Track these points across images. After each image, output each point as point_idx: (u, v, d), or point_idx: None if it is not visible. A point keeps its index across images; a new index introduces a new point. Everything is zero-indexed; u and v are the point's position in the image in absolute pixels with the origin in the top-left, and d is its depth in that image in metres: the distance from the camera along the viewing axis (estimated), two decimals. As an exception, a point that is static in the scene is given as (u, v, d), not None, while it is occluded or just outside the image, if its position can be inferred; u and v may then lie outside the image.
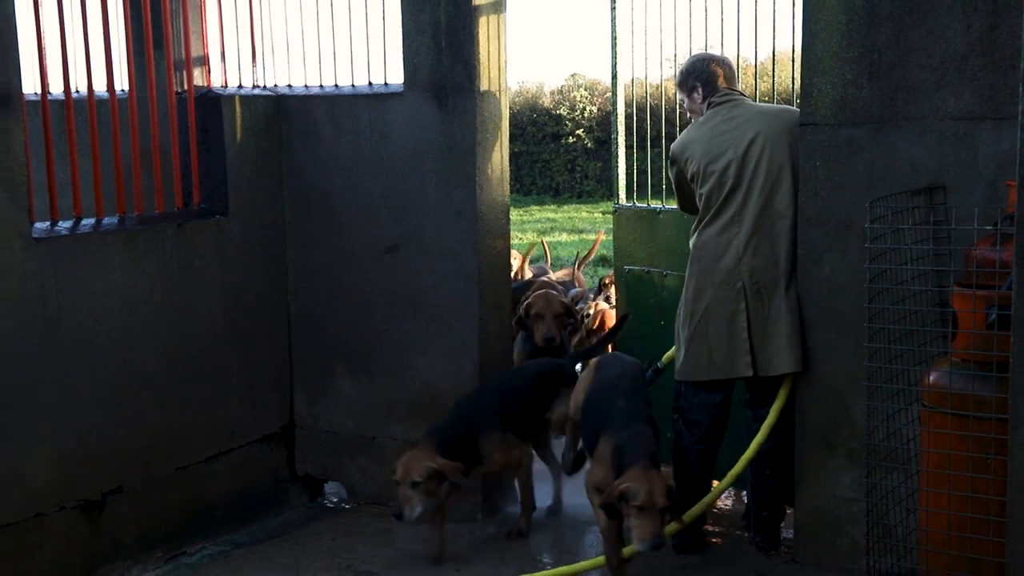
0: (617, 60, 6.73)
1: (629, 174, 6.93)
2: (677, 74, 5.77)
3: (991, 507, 3.69)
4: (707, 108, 5.39)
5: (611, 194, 7.05)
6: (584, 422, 5.18)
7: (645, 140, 6.82)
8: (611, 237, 7.48)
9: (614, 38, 6.64)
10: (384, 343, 6.24)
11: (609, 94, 7.08)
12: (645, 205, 6.80)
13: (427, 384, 6.09)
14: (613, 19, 6.60)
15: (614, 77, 6.83)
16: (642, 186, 6.90)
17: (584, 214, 17.26)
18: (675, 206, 6.16)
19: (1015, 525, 3.18)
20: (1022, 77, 2.84)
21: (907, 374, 4.42)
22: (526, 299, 5.96)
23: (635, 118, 6.87)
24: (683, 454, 5.49)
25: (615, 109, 6.97)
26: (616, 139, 6.96)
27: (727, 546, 5.67)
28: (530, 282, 7.86)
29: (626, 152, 6.92)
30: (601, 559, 5.08)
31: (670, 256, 6.41)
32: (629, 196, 6.95)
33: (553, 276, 9.33)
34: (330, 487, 6.54)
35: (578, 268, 9.57)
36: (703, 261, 5.24)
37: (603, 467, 4.76)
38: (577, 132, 20.91)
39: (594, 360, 5.82)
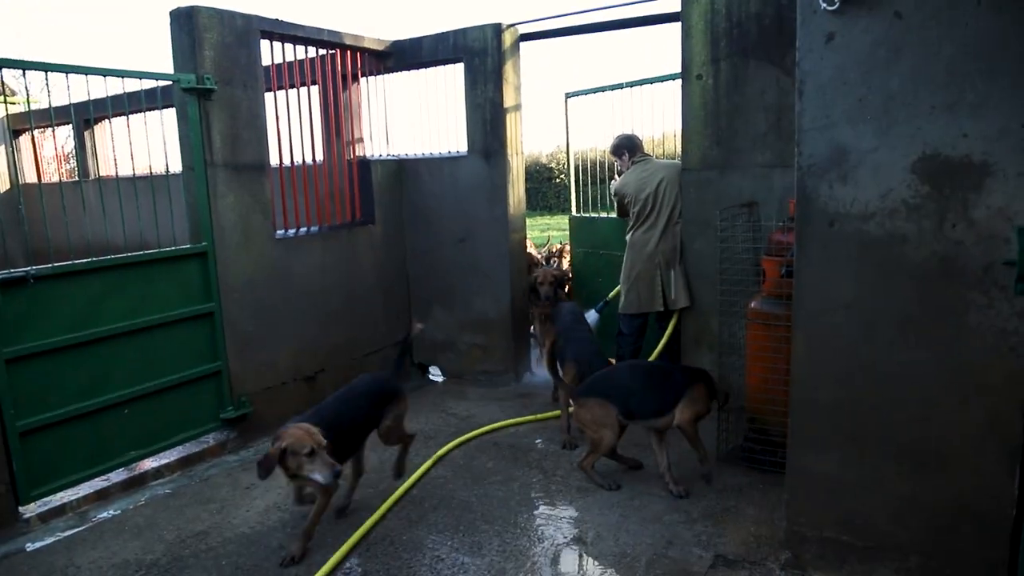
0: (569, 136, 6.65)
1: (578, 198, 6.83)
2: (611, 145, 5.59)
3: (781, 373, 3.69)
4: (631, 163, 5.43)
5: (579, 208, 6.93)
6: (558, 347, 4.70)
7: (586, 180, 6.74)
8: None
9: (567, 123, 6.58)
10: (458, 291, 6.24)
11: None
12: (587, 215, 6.74)
13: (481, 313, 6.13)
14: (566, 113, 6.54)
15: (567, 145, 6.76)
16: (585, 204, 6.84)
17: (565, 220, 17.26)
18: (606, 215, 6.25)
19: (794, 381, 3.10)
20: (796, 145, 3.02)
21: (739, 303, 4.45)
22: (534, 275, 6.02)
23: (580, 168, 6.78)
24: (620, 355, 5.48)
25: (568, 163, 6.86)
26: (569, 180, 6.87)
27: None
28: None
29: (575, 186, 6.80)
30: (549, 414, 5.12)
31: (601, 243, 6.36)
32: (578, 210, 6.85)
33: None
34: (432, 369, 6.50)
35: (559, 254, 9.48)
36: (636, 248, 5.28)
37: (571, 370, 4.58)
38: (560, 176, 21.12)
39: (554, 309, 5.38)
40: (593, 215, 6.67)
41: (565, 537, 3.60)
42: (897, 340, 2.85)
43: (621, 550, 3.43)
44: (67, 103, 4.20)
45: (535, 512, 3.86)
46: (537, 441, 4.81)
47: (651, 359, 5.32)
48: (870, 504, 3.00)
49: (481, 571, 3.30)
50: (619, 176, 5.64)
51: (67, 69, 3.91)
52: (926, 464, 2.86)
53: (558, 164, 21.41)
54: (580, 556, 3.43)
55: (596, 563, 3.35)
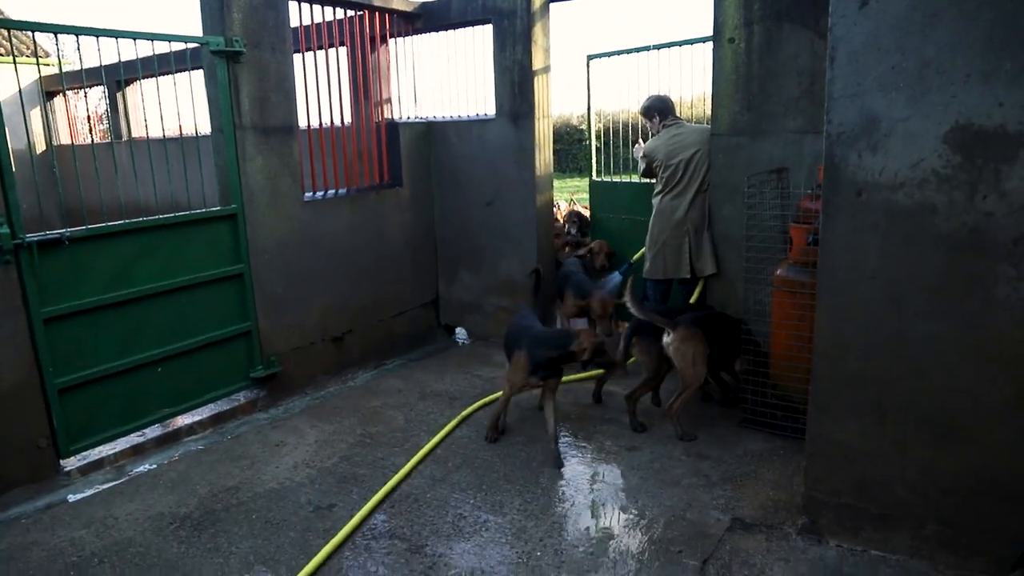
0: (590, 99, 6.50)
1: (599, 163, 6.73)
2: (642, 107, 5.47)
3: (805, 340, 3.64)
4: (662, 127, 5.34)
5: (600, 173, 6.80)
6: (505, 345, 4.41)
7: (609, 143, 6.66)
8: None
9: (588, 85, 6.44)
10: (486, 253, 6.24)
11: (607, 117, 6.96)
12: (608, 179, 6.61)
13: (508, 276, 6.11)
14: (588, 75, 6.41)
15: (588, 108, 6.57)
16: (607, 168, 6.77)
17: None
18: (627, 180, 6.19)
19: (817, 349, 3.09)
20: (826, 113, 2.99)
21: (765, 270, 4.42)
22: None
23: (603, 132, 6.76)
24: None
25: (589, 128, 6.70)
26: (590, 144, 6.71)
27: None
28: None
29: (595, 151, 6.65)
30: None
31: (624, 208, 6.32)
32: (599, 174, 6.72)
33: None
34: (459, 331, 6.55)
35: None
36: (664, 214, 5.20)
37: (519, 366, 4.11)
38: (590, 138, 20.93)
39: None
40: (615, 180, 6.61)
41: (585, 498, 3.66)
42: (923, 311, 2.83)
43: (640, 511, 3.49)
44: (99, 65, 4.24)
45: (556, 473, 3.92)
46: (560, 404, 4.84)
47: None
48: (889, 472, 3.01)
49: (502, 529, 3.38)
50: (649, 138, 5.57)
51: (98, 32, 3.95)
52: (947, 435, 2.86)
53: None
54: (600, 517, 3.49)
55: (616, 523, 3.41)
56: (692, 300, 5.25)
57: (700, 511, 3.48)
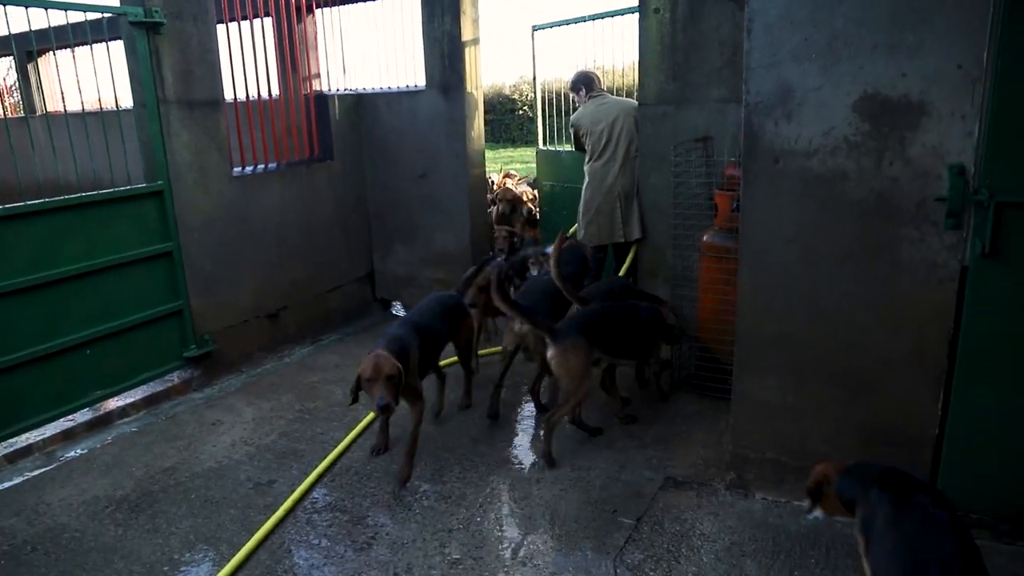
0: (535, 69, 6.60)
1: (544, 132, 6.89)
2: (569, 81, 5.60)
3: (731, 304, 3.52)
4: (588, 99, 5.43)
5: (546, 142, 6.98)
6: None
7: (552, 113, 6.74)
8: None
9: (533, 56, 6.53)
10: (420, 227, 6.23)
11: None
12: (552, 148, 6.77)
13: (442, 248, 6.14)
14: (533, 46, 6.50)
15: (534, 78, 6.70)
16: (550, 138, 6.91)
17: (528, 153, 17.15)
18: (570, 149, 6.18)
19: (740, 312, 3.24)
20: (744, 83, 3.08)
21: (692, 236, 4.54)
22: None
23: (547, 101, 6.83)
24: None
25: (535, 96, 6.80)
26: (536, 112, 6.82)
27: None
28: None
29: (542, 120, 6.80)
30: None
31: (564, 176, 6.41)
32: (545, 143, 6.90)
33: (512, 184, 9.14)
34: (395, 305, 6.57)
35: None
36: (595, 181, 5.30)
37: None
38: (524, 108, 20.66)
39: None
40: (559, 148, 6.67)
41: (522, 464, 3.76)
42: (836, 274, 2.99)
43: (577, 474, 3.61)
44: (6, 34, 4.05)
45: (494, 440, 4.01)
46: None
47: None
48: (806, 427, 3.19)
49: (442, 497, 3.46)
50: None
51: (4, 0, 3.77)
52: (858, 390, 3.04)
53: (521, 96, 21.03)
54: (537, 480, 3.59)
55: (552, 486, 3.51)
56: (625, 266, 5.38)
57: (634, 471, 3.62)
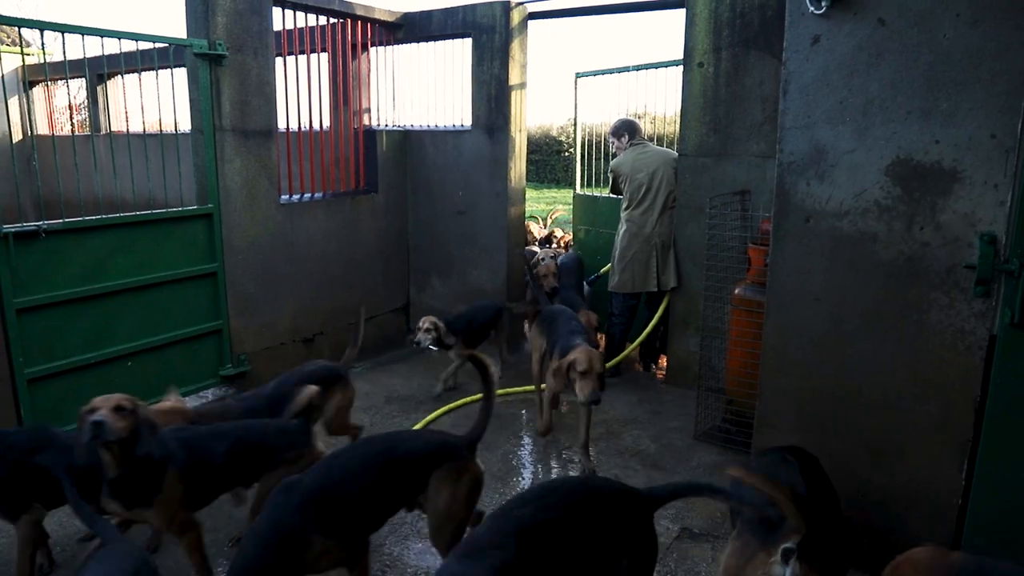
0: (577, 115, 6.72)
1: (583, 176, 6.98)
2: (611, 127, 5.73)
3: (758, 357, 3.49)
4: (629, 146, 5.54)
5: (583, 186, 7.08)
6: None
7: (592, 158, 6.85)
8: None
9: (575, 102, 6.65)
10: (456, 262, 6.34)
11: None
12: (589, 193, 6.84)
13: (477, 285, 6.22)
14: (575, 93, 6.61)
15: (575, 124, 6.81)
16: (589, 182, 7.02)
17: (571, 195, 17.24)
18: (607, 194, 6.24)
19: (764, 367, 3.28)
20: (778, 142, 3.13)
21: (724, 288, 4.56)
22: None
23: (587, 145, 6.91)
24: (611, 334, 5.68)
25: (575, 140, 6.88)
26: (575, 157, 6.92)
27: (631, 377, 5.77)
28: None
29: (580, 164, 6.89)
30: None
31: (601, 221, 6.49)
32: (582, 187, 6.99)
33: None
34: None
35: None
36: (632, 228, 5.39)
37: None
38: (569, 150, 20.92)
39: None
40: (596, 193, 6.76)
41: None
42: (862, 334, 2.99)
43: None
44: (81, 57, 4.30)
45: (516, 479, 4.03)
46: (523, 412, 4.97)
47: (639, 340, 5.49)
48: (827, 487, 3.15)
49: (459, 531, 3.48)
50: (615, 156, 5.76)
51: (83, 31, 4.02)
52: (881, 452, 3.02)
53: (568, 137, 21.28)
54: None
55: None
56: (658, 315, 5.42)
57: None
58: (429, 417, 4.77)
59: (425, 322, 5.11)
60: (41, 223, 3.97)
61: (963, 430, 2.84)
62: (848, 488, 3.10)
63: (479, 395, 4.78)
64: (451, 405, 4.96)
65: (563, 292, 5.75)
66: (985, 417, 2.77)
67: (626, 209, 5.51)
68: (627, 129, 5.60)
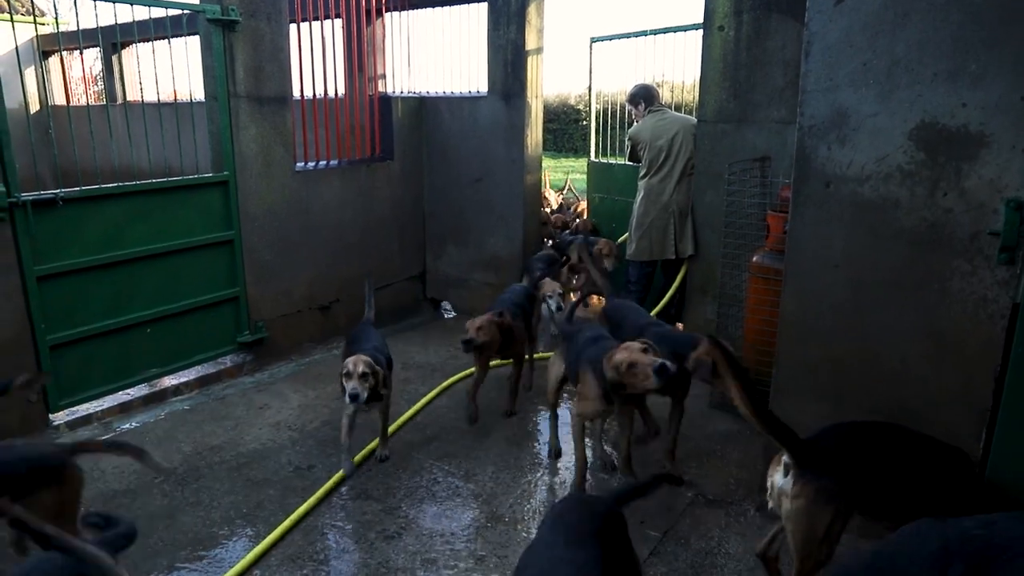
0: (592, 81, 6.64)
1: (598, 144, 6.91)
2: (629, 93, 5.64)
3: (775, 325, 3.46)
4: (646, 113, 5.46)
5: (599, 154, 6.98)
6: None
7: (608, 125, 6.76)
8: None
9: (590, 67, 6.56)
10: (473, 229, 6.33)
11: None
12: (605, 160, 6.75)
13: (494, 252, 6.22)
14: (590, 58, 6.52)
15: (590, 90, 6.73)
16: (605, 150, 6.90)
17: (588, 161, 17.20)
18: (623, 162, 6.21)
19: (781, 335, 3.24)
20: (799, 105, 3.07)
21: (742, 256, 4.52)
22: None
23: (602, 112, 6.85)
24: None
25: (591, 107, 6.82)
26: (590, 124, 6.85)
27: None
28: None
29: (596, 131, 6.84)
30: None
31: (615, 188, 6.45)
32: (597, 155, 6.90)
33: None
34: (444, 305, 6.68)
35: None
36: (650, 196, 5.31)
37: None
38: (587, 118, 20.74)
39: None
40: (611, 161, 6.69)
41: (558, 471, 3.79)
42: (882, 302, 2.95)
43: (609, 484, 3.62)
44: (95, 26, 4.28)
45: (530, 445, 4.05)
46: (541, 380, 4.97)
47: (657, 309, 5.44)
48: (843, 455, 3.13)
49: (474, 495, 3.52)
50: (634, 124, 5.67)
51: (96, -3, 4.00)
52: (899, 421, 2.98)
53: (586, 106, 21.07)
54: (570, 486, 3.62)
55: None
56: (676, 283, 5.37)
57: (666, 486, 3.60)
58: (445, 383, 4.79)
59: (359, 365, 3.53)
60: (58, 191, 3.99)
61: (982, 399, 2.79)
62: (865, 456, 3.08)
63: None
64: (467, 371, 4.97)
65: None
66: (1005, 387, 2.73)
67: (644, 176, 5.44)
68: (643, 96, 5.52)
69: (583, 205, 7.55)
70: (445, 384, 4.80)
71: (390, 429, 4.00)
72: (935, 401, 2.89)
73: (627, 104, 5.73)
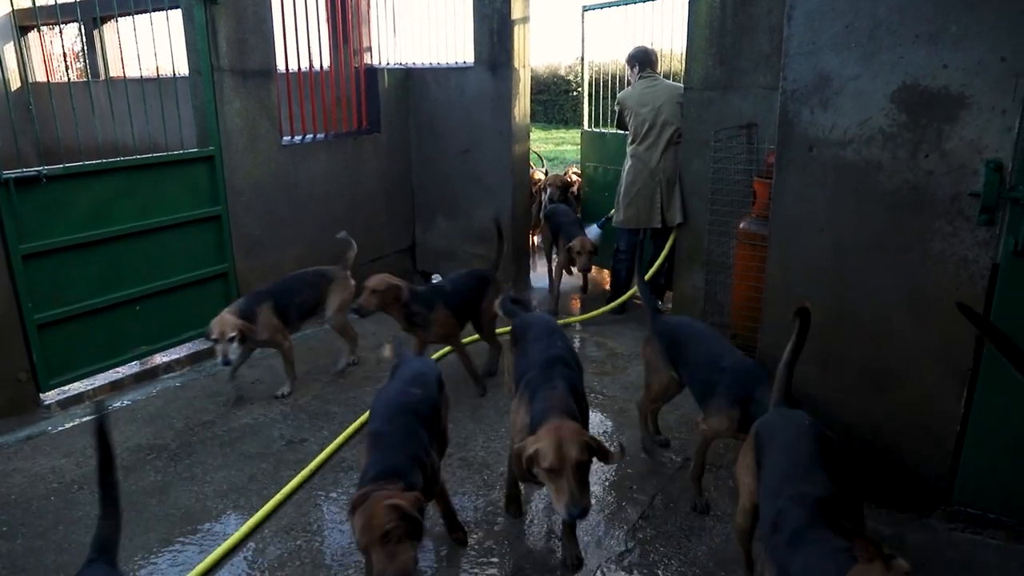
0: (584, 50, 6.64)
1: (591, 113, 6.89)
2: (627, 55, 5.57)
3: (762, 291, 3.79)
4: (638, 77, 5.45)
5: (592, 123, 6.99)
6: None
7: (601, 95, 6.75)
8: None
9: (582, 36, 6.55)
10: (462, 201, 6.32)
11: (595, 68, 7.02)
12: (597, 130, 6.74)
13: (483, 224, 6.15)
14: (582, 27, 6.50)
15: (582, 59, 6.73)
16: (597, 120, 6.90)
17: (579, 134, 17.08)
18: (615, 131, 6.16)
19: (766, 299, 3.30)
20: (782, 70, 3.08)
21: (729, 223, 4.58)
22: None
23: (594, 82, 6.83)
24: (616, 271, 5.71)
25: (583, 77, 6.83)
26: (583, 93, 6.85)
27: (636, 313, 5.74)
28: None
29: (588, 101, 6.83)
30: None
31: (608, 158, 6.43)
32: (591, 125, 6.89)
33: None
34: (435, 277, 6.63)
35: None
36: (637, 163, 5.32)
37: None
38: (578, 89, 20.54)
39: None
40: (604, 130, 6.68)
41: (546, 438, 3.83)
42: (865, 265, 2.98)
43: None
44: (73, 0, 4.23)
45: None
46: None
47: (647, 276, 5.46)
48: (828, 417, 3.18)
49: (465, 463, 3.57)
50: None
51: (72, -31, 3.95)
52: (882, 382, 3.04)
53: (575, 77, 20.89)
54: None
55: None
56: (664, 252, 5.39)
57: (657, 452, 3.67)
58: (435, 355, 4.82)
59: (228, 328, 3.74)
60: (41, 168, 3.97)
61: (963, 359, 2.85)
62: (848, 417, 3.14)
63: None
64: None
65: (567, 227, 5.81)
66: (986, 346, 2.78)
67: (631, 144, 5.44)
68: (639, 59, 5.49)
69: (571, 173, 7.52)
70: (435, 356, 4.82)
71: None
72: (917, 362, 2.94)
73: (625, 65, 5.70)
